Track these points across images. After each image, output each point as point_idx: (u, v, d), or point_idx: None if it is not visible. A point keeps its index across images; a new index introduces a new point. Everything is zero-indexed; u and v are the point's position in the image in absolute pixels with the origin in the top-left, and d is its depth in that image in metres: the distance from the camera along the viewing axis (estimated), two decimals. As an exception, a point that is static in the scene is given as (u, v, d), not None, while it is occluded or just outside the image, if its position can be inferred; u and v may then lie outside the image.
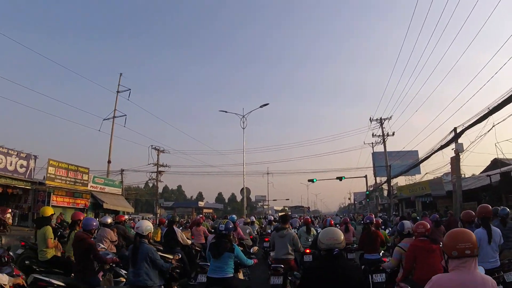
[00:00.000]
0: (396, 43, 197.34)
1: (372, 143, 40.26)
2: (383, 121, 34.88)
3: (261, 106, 26.79)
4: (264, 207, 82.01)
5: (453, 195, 17.74)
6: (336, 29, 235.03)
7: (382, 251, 8.06)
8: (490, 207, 6.28)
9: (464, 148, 15.81)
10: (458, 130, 15.73)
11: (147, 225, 5.32)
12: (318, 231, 10.29)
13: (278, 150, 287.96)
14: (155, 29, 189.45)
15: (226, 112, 28.09)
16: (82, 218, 7.06)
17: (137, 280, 4.95)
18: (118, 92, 32.65)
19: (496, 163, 23.46)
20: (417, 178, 42.63)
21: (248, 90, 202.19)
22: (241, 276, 6.44)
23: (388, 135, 34.69)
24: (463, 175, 18.59)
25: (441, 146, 17.95)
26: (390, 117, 34.58)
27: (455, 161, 16.26)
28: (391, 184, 35.12)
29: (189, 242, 10.02)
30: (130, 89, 32.83)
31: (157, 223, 12.31)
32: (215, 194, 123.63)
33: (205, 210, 72.11)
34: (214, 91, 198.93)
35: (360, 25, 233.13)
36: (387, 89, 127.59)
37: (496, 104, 12.32)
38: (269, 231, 14.38)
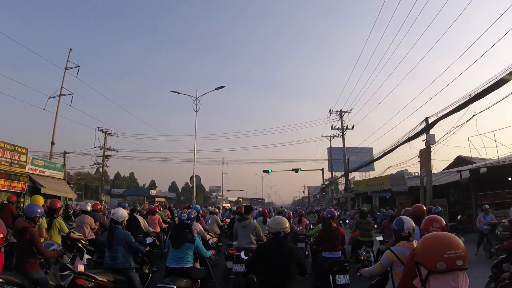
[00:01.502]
0: (355, 44, 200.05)
1: (330, 136, 39.43)
2: (343, 113, 33.79)
3: (216, 89, 24.93)
4: (218, 197, 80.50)
5: (421, 190, 16.53)
6: (294, 27, 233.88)
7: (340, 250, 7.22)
8: (424, 206, 6.57)
9: (436, 140, 14.44)
10: (430, 120, 14.31)
11: (122, 213, 5.71)
12: None
13: (233, 138, 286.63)
14: (111, 11, 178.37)
15: (178, 93, 25.72)
16: (60, 205, 7.38)
17: (114, 263, 5.24)
18: (66, 68, 29.42)
19: (460, 161, 22.74)
20: (371, 174, 42.51)
21: (204, 83, 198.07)
22: (197, 265, 6.35)
23: (347, 128, 33.64)
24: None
25: (409, 137, 16.52)
26: (351, 110, 33.74)
27: (426, 154, 14.92)
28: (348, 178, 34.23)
29: (151, 229, 10.43)
30: (79, 66, 29.80)
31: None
32: (168, 183, 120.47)
33: (157, 199, 70.52)
34: (169, 80, 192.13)
35: (319, 24, 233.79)
36: (346, 87, 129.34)
37: (479, 91, 10.86)
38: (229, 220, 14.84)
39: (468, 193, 17.66)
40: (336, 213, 8.18)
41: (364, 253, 9.48)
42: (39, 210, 5.29)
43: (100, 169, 39.98)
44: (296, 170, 35.37)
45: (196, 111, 24.64)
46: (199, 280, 5.58)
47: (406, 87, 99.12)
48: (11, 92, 76.10)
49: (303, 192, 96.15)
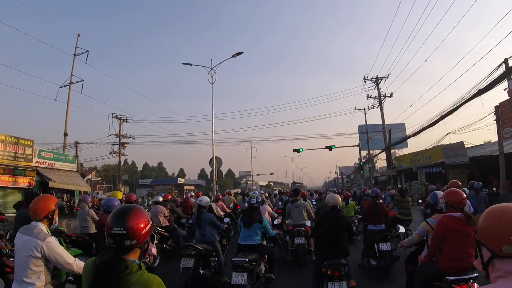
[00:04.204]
0: (383, 16, 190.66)
1: (364, 108, 35.28)
2: (379, 80, 29.69)
3: (233, 56, 21.46)
4: (248, 182, 78.68)
5: (500, 158, 12.57)
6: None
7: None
8: (459, 182, 7.54)
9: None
10: (512, 63, 10.43)
11: (207, 200, 7.24)
12: (314, 203, 12.99)
13: (260, 115, 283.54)
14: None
15: (191, 65, 22.62)
16: (135, 198, 9.26)
17: (204, 238, 6.72)
18: (75, 55, 28.29)
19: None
20: (404, 152, 38.49)
21: (228, 63, 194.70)
22: (264, 243, 7.05)
23: (385, 96, 29.57)
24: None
25: (479, 90, 12.11)
26: (388, 76, 29.31)
27: (510, 106, 10.98)
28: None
29: (222, 214, 11.79)
30: (88, 51, 28.45)
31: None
32: (198, 170, 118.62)
33: (186, 187, 69.21)
34: (181, 57, 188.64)
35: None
36: (377, 60, 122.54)
37: None
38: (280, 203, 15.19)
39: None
40: (379, 192, 9.12)
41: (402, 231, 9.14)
42: (116, 204, 6.00)
43: (123, 159, 38.46)
44: (330, 148, 31.85)
45: (212, 83, 21.63)
46: (266, 256, 6.39)
47: (441, 60, 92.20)
48: (20, 85, 77.53)
49: (335, 173, 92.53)
